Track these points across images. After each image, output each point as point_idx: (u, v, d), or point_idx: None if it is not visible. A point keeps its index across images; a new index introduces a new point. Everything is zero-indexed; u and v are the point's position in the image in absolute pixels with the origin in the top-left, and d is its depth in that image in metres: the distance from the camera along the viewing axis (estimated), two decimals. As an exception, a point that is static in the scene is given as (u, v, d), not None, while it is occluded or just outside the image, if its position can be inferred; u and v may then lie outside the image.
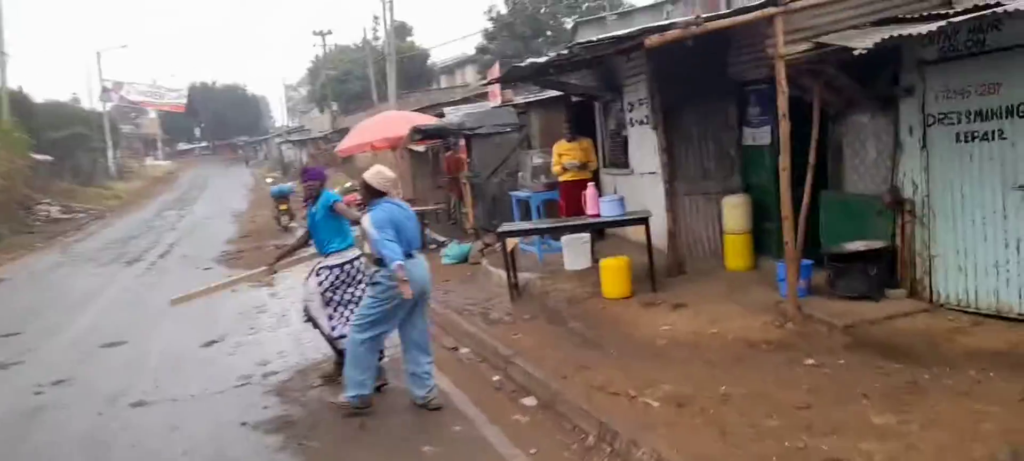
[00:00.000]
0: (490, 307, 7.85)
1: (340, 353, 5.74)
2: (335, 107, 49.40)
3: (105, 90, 35.12)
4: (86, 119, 45.88)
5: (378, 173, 5.24)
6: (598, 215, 7.70)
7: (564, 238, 8.27)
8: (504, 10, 35.34)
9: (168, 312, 9.41)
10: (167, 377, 6.58)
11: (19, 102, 36.66)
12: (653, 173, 8.50)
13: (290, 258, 6.50)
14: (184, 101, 34.03)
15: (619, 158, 9.70)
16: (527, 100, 12.30)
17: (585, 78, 9.42)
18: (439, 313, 7.97)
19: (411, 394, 5.32)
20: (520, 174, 9.55)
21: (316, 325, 5.95)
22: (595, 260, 8.36)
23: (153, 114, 75.77)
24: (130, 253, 17.16)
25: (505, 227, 7.87)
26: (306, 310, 5.94)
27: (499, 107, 12.04)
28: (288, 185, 20.81)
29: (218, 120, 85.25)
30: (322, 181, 6.00)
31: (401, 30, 44.69)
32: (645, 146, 8.67)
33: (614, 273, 7.30)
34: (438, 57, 49.30)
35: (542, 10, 35.33)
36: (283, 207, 19.30)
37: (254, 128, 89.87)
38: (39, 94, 76.03)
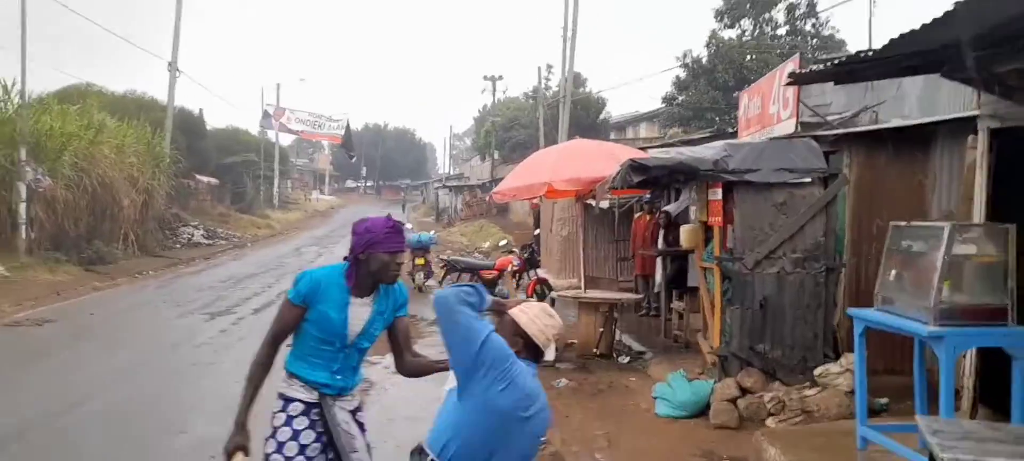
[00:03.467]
0: None
1: None
2: (496, 155, 46.38)
3: (266, 115, 33.63)
4: (259, 147, 45.95)
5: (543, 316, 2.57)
6: None
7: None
8: (702, 54, 30.11)
9: None
10: None
11: (192, 123, 36.33)
12: None
13: None
14: (342, 133, 31.73)
15: None
16: (835, 132, 7.04)
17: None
18: None
19: None
20: (893, 274, 4.17)
21: None
22: None
23: (327, 150, 77.80)
24: (231, 298, 13.60)
25: (956, 448, 2.60)
26: None
27: (786, 139, 6.81)
28: (429, 234, 16.75)
29: (387, 161, 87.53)
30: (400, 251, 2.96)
31: (576, 80, 40.90)
32: None
33: None
34: (612, 110, 45.04)
35: (748, 58, 29.78)
36: (420, 261, 15.29)
37: (419, 172, 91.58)
38: (222, 121, 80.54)
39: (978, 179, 4.95)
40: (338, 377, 2.94)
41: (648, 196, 10.84)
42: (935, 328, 3.71)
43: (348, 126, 33.44)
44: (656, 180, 7.41)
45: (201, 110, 39.96)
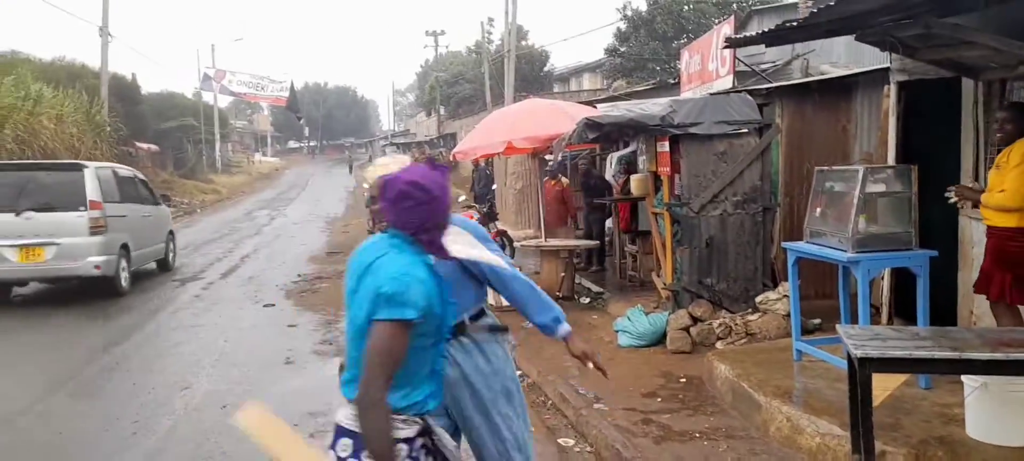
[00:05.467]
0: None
1: None
2: (442, 111, 46.44)
3: (207, 78, 32.89)
4: (196, 111, 44.91)
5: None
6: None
7: (969, 379, 3.68)
8: (642, 6, 30.75)
9: None
10: None
11: (126, 89, 35.28)
12: None
13: None
14: (286, 95, 31.30)
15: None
16: (767, 86, 7.73)
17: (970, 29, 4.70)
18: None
19: None
20: (818, 211, 4.93)
21: None
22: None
23: (266, 110, 76.17)
24: (195, 265, 13.78)
25: (866, 345, 3.32)
26: None
27: (724, 94, 7.48)
28: (388, 193, 17.08)
29: (328, 120, 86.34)
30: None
31: (518, 33, 41.02)
32: None
33: None
34: (556, 62, 45.43)
35: (686, 8, 30.50)
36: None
37: (362, 130, 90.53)
38: (156, 86, 77.80)
39: (890, 125, 5.70)
40: (438, 372, 2.30)
41: (551, 163, 11.37)
42: (853, 255, 4.45)
43: (293, 87, 33.08)
44: (608, 135, 8.04)
45: (134, 75, 38.85)
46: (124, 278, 10.39)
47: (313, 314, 9.05)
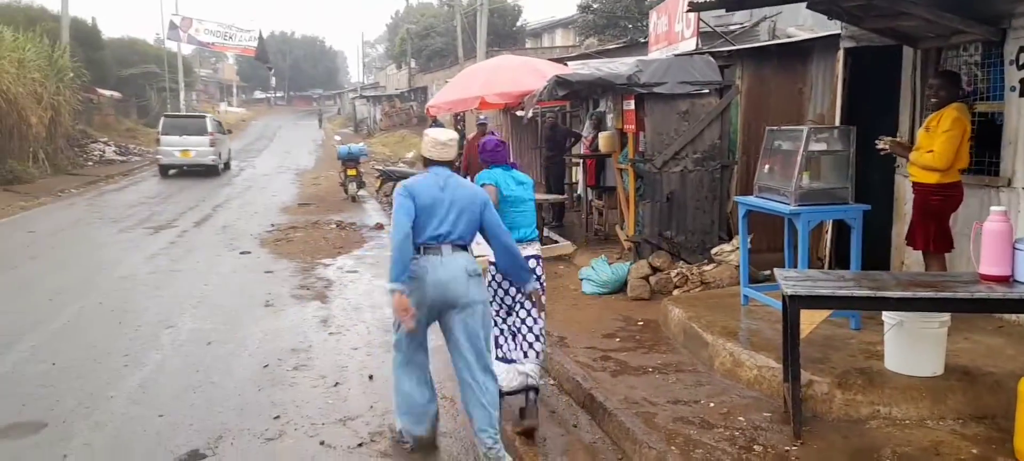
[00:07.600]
0: (740, 435, 3.81)
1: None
2: (413, 64, 46.08)
3: (173, 27, 32.15)
4: (160, 58, 43.93)
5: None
6: (1009, 278, 3.55)
7: (888, 315, 4.14)
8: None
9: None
10: None
11: (87, 34, 34.35)
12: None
13: None
14: (255, 44, 30.82)
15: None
16: (729, 48, 8.07)
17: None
18: (626, 426, 4.00)
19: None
20: (767, 167, 5.34)
21: None
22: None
23: (231, 59, 74.69)
24: (165, 214, 13.87)
25: (797, 285, 3.74)
26: None
27: (688, 56, 7.83)
28: (359, 145, 17.23)
29: (295, 71, 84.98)
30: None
31: (490, -14, 40.71)
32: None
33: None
34: (528, 17, 45.23)
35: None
36: (351, 172, 15.86)
37: (330, 82, 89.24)
38: (116, 31, 75.33)
39: (838, 88, 6.11)
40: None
41: (483, 117, 11.56)
42: (795, 207, 4.87)
43: (262, 36, 32.51)
44: (577, 93, 8.34)
45: (94, 19, 37.86)
46: (221, 167, 22.10)
47: (289, 261, 9.32)
